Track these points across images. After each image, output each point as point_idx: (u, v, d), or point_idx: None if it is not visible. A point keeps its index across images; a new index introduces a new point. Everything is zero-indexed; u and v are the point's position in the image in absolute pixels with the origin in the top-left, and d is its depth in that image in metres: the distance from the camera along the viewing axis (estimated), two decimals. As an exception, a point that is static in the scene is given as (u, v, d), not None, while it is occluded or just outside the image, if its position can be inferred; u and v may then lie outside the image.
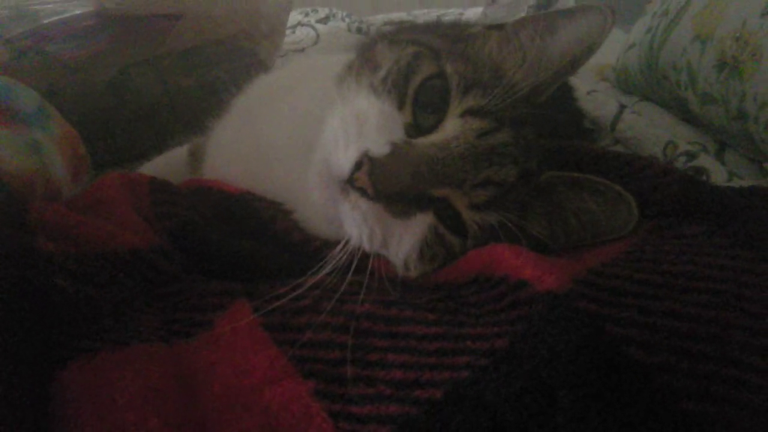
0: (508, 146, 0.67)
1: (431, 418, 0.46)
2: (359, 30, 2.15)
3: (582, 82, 1.58)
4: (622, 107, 1.37)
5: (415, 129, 0.68)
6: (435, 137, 0.66)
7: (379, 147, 0.64)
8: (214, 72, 1.35)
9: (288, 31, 2.09)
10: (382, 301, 0.60)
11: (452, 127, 0.66)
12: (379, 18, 2.39)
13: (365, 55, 0.77)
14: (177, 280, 0.67)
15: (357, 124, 0.66)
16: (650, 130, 1.27)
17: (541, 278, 0.56)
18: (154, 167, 1.11)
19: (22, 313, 0.51)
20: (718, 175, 1.11)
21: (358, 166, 0.64)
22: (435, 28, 0.82)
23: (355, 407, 0.48)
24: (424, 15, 2.50)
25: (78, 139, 0.97)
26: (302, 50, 2.02)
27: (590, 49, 0.70)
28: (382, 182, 0.63)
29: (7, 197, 0.74)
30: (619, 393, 0.46)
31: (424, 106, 0.68)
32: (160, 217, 0.74)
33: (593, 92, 1.45)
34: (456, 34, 0.79)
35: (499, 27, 0.75)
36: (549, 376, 0.46)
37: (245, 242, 0.73)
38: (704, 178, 1.10)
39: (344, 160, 0.65)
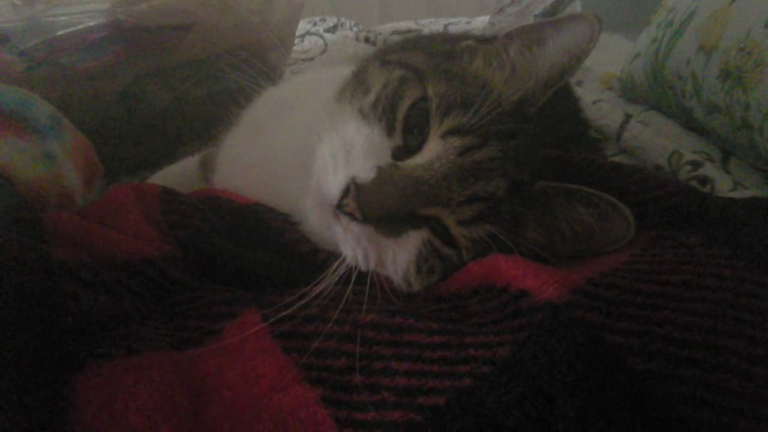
0: (495, 160, 0.68)
1: (433, 425, 0.47)
2: (367, 39, 2.15)
3: (588, 92, 1.59)
4: (628, 117, 1.38)
5: (405, 151, 0.69)
6: (419, 158, 0.68)
7: (366, 172, 0.66)
8: (223, 82, 1.37)
9: (296, 40, 2.10)
10: (387, 311, 0.61)
11: (434, 148, 0.68)
12: (387, 27, 2.39)
13: (358, 77, 0.78)
14: (188, 288, 0.68)
15: (344, 151, 0.68)
16: (655, 139, 1.28)
17: (541, 288, 0.58)
18: (166, 176, 1.12)
19: (37, 320, 0.52)
20: (723, 183, 1.12)
21: (346, 192, 0.65)
22: (428, 44, 0.83)
23: (360, 413, 0.50)
24: (431, 24, 2.50)
25: (91, 149, 0.99)
26: (311, 59, 2.03)
27: (578, 59, 0.71)
28: (369, 207, 0.64)
29: (22, 206, 0.76)
30: (617, 399, 0.47)
31: (411, 128, 0.70)
32: (171, 227, 0.76)
33: (599, 102, 1.46)
34: (446, 50, 0.80)
35: (490, 41, 0.77)
36: (548, 384, 0.47)
37: (254, 252, 0.74)
38: (709, 186, 1.11)
39: (333, 186, 0.67)
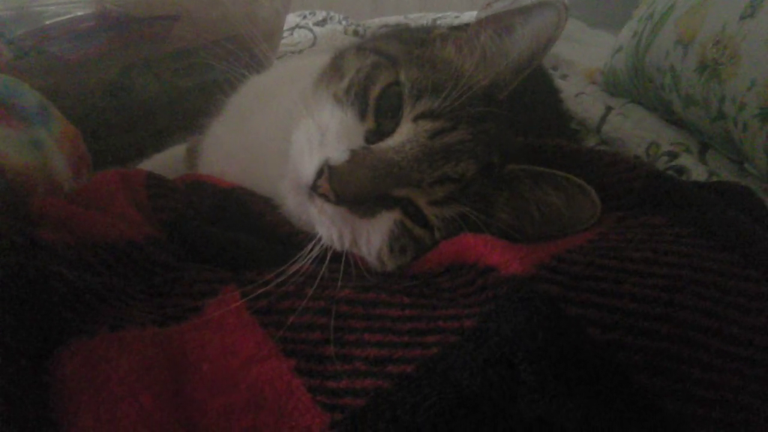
0: (465, 143, 0.70)
1: (402, 390, 0.50)
2: (356, 33, 2.17)
3: (572, 85, 1.61)
4: (609, 109, 1.41)
5: (377, 134, 0.71)
6: (391, 141, 0.69)
7: (339, 154, 0.67)
8: (211, 74, 1.38)
9: (286, 33, 2.11)
10: (361, 286, 0.63)
11: (406, 131, 0.69)
12: (376, 21, 2.41)
13: (335, 63, 0.80)
14: (171, 269, 0.69)
15: (319, 135, 0.70)
16: (635, 131, 1.30)
17: (507, 263, 0.60)
18: (153, 164, 1.13)
19: (22, 297, 0.54)
20: (699, 174, 1.14)
21: (320, 174, 0.67)
22: (404, 32, 0.85)
23: (332, 382, 0.52)
24: (420, 18, 2.51)
25: (79, 138, 0.99)
26: (300, 52, 2.04)
27: (546, 44, 0.72)
28: (342, 188, 0.66)
29: (8, 190, 0.77)
30: (576, 367, 0.49)
31: (385, 112, 0.72)
32: (156, 210, 0.77)
33: (581, 94, 1.49)
34: (420, 37, 0.82)
35: (462, 28, 0.79)
36: (510, 352, 0.49)
37: (236, 234, 0.76)
38: (685, 176, 1.13)
39: (308, 168, 0.69)
